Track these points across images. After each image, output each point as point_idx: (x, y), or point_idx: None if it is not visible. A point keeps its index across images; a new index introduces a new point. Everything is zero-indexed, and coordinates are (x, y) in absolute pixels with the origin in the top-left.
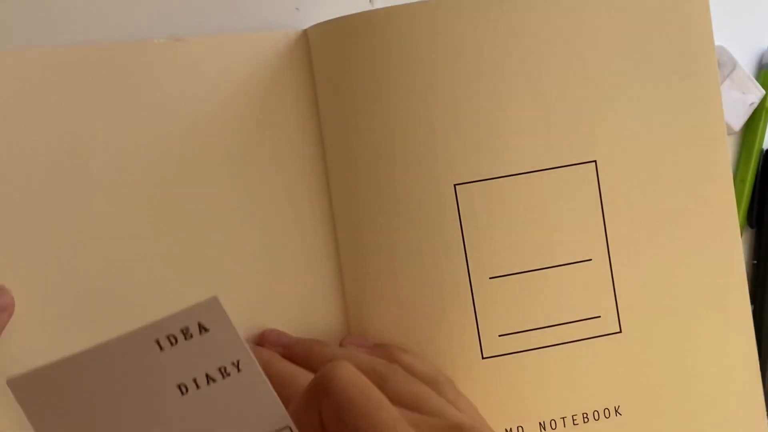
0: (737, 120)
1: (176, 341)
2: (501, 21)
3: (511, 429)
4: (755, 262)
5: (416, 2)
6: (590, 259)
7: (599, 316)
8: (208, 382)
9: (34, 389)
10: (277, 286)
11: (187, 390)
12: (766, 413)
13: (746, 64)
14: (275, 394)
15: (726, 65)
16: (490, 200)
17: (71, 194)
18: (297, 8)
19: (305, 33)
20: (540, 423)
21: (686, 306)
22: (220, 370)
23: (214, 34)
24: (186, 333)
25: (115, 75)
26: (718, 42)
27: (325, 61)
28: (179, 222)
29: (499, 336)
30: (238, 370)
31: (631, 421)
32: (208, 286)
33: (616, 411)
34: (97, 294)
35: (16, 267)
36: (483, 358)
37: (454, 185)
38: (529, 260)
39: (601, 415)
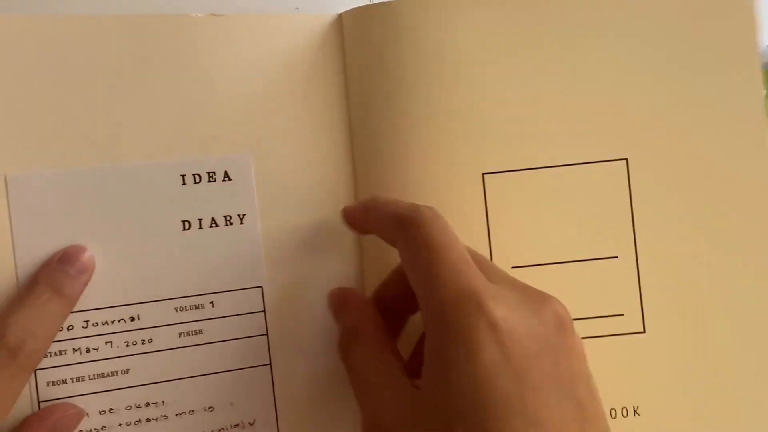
0: None
1: (200, 180)
2: (534, 12)
3: None
4: None
5: None
6: (616, 257)
7: (623, 314)
8: (211, 225)
9: (35, 191)
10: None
11: (189, 227)
12: None
13: None
14: (263, 255)
15: None
16: (517, 191)
17: (100, 157)
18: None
19: (340, 17)
20: None
21: (715, 311)
22: (225, 217)
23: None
24: (211, 176)
25: (153, 45)
26: None
27: (357, 45)
28: None
29: None
30: (241, 222)
31: (649, 423)
32: None
33: (635, 411)
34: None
35: None
36: None
37: (483, 174)
38: (551, 253)
39: (619, 413)
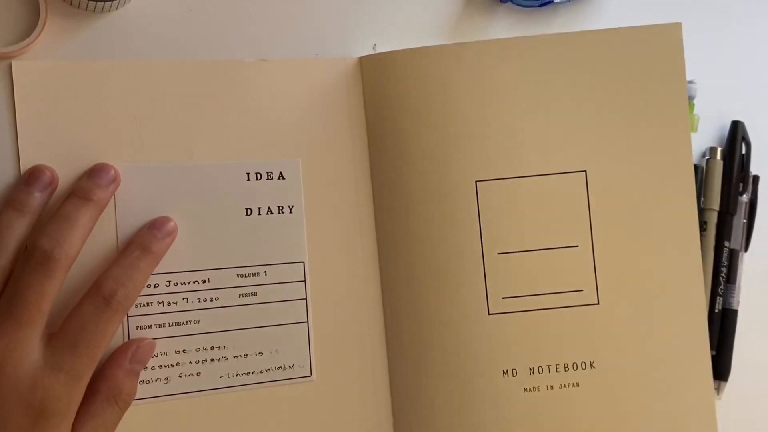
0: None
1: (260, 178)
2: (508, 66)
3: (507, 371)
4: None
5: (443, 47)
6: (577, 246)
7: (582, 290)
8: (267, 212)
9: (134, 181)
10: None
11: (251, 213)
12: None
13: None
14: (305, 236)
15: None
16: (503, 195)
17: (184, 157)
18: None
19: (360, 60)
20: (530, 368)
21: (653, 287)
22: (278, 207)
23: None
24: (270, 175)
25: (216, 84)
26: None
27: (373, 83)
28: None
29: (503, 298)
30: (290, 212)
31: (602, 373)
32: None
33: (591, 365)
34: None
35: None
36: (489, 314)
37: (476, 182)
38: (529, 242)
39: (579, 366)
